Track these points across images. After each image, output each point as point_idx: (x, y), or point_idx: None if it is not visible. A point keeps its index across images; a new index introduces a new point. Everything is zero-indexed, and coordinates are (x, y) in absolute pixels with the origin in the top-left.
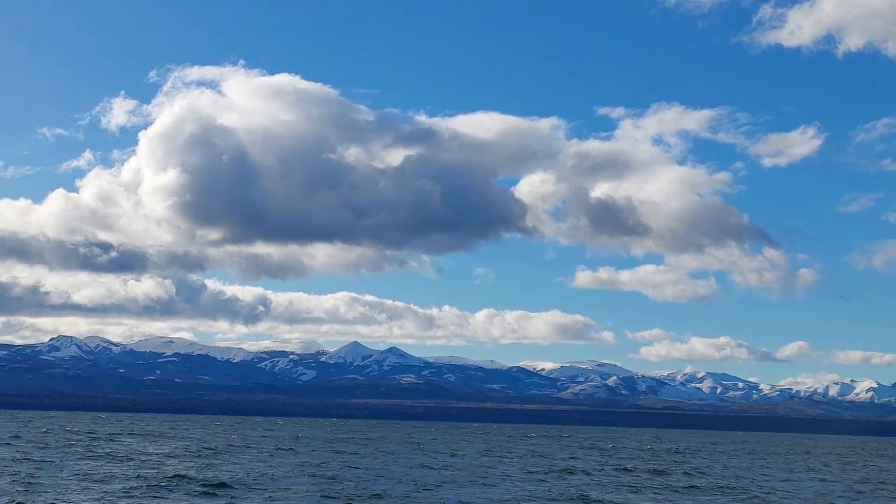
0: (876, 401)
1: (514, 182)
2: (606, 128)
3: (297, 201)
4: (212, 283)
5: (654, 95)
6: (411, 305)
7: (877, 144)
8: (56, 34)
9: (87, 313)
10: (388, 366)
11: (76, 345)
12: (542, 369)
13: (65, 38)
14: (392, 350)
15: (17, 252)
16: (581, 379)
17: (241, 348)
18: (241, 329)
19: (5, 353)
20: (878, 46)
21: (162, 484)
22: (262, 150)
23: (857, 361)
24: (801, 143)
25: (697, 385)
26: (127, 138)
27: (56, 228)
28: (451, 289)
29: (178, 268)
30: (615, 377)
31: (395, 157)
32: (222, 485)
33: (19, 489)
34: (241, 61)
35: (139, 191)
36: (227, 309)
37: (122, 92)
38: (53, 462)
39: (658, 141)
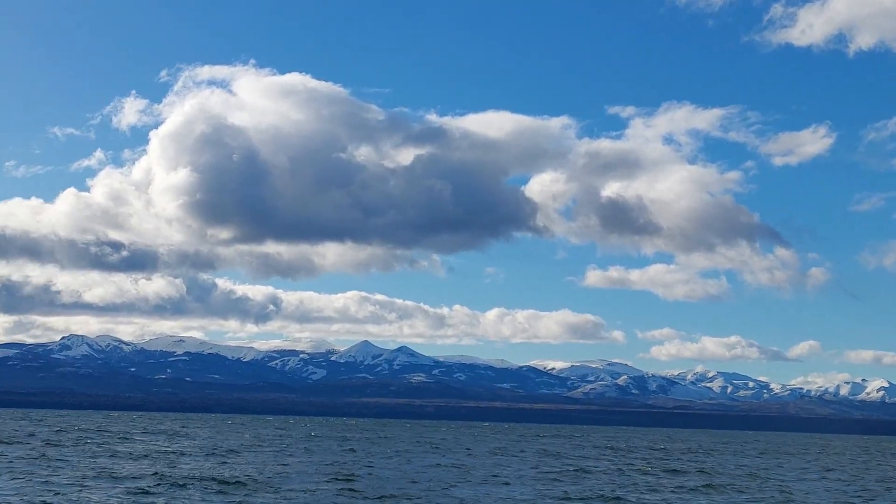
0: (887, 400)
1: (525, 181)
2: (617, 127)
3: (307, 200)
4: (222, 283)
5: (664, 94)
6: (421, 304)
7: (888, 143)
8: (67, 34)
9: (99, 312)
10: (398, 365)
11: (87, 344)
12: (553, 368)
13: (76, 38)
14: (402, 349)
15: (29, 251)
16: (591, 378)
17: (251, 347)
18: (251, 328)
19: (17, 351)
20: (889, 45)
21: (179, 483)
22: (273, 150)
23: (869, 361)
24: (812, 142)
25: (708, 384)
26: (138, 138)
27: (67, 227)
28: (462, 288)
29: (188, 267)
30: (625, 376)
31: (406, 156)
32: (238, 483)
33: (36, 489)
34: (252, 60)
35: (150, 190)
36: (238, 308)
37: (133, 91)
38: (69, 461)
39: (669, 140)
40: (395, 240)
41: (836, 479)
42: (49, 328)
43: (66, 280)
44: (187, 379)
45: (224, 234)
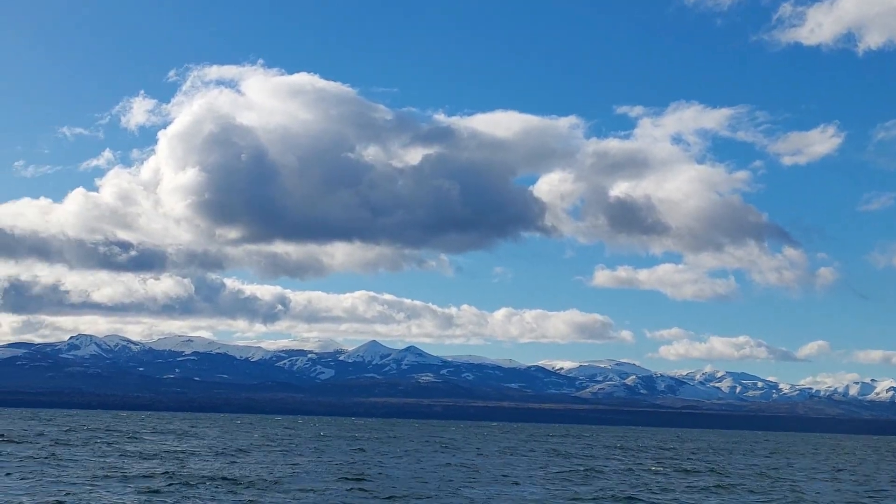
0: None
1: (533, 181)
2: (625, 126)
3: (315, 200)
4: (231, 282)
5: (672, 94)
6: (430, 304)
7: None
8: (75, 35)
9: (107, 312)
10: (406, 365)
11: (96, 343)
12: (561, 368)
13: (84, 38)
14: (410, 349)
15: (38, 251)
16: (600, 378)
17: (259, 347)
18: (259, 328)
19: (25, 351)
20: None
21: (189, 482)
22: (281, 149)
23: (878, 361)
24: (821, 142)
25: (717, 384)
26: (146, 137)
27: (76, 227)
28: (470, 288)
29: (197, 267)
30: (634, 376)
31: (414, 155)
32: (249, 483)
33: (47, 488)
34: (260, 60)
35: (158, 190)
36: (246, 308)
37: (142, 91)
38: (78, 460)
39: (677, 139)
40: (403, 239)
41: (847, 480)
42: (58, 328)
43: (74, 280)
44: (196, 379)
45: (232, 233)
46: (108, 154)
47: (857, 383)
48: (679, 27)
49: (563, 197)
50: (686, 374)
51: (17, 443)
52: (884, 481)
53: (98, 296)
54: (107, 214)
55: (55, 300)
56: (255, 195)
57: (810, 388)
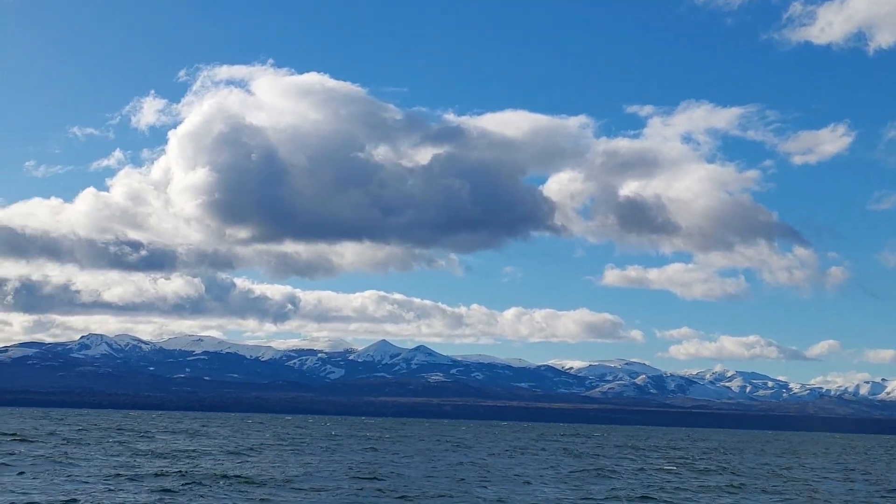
0: None
1: (543, 180)
2: (635, 126)
3: (325, 200)
4: (241, 282)
5: (682, 93)
6: (439, 304)
7: None
8: (86, 34)
9: (118, 312)
10: (416, 364)
11: (106, 343)
12: (571, 368)
13: (95, 38)
14: (420, 348)
15: (49, 250)
16: (609, 378)
17: (269, 346)
18: (269, 327)
19: (36, 351)
20: None
21: (202, 481)
22: (291, 149)
23: (888, 360)
24: (832, 141)
25: (727, 384)
26: (157, 137)
27: (86, 227)
28: (480, 287)
29: (207, 266)
30: (644, 376)
31: (424, 155)
32: (262, 482)
33: (60, 487)
34: (270, 60)
35: (169, 189)
36: (256, 307)
37: (152, 91)
38: (91, 459)
39: (687, 139)
40: (413, 239)
41: (860, 479)
42: (68, 327)
43: (85, 279)
44: (206, 378)
45: (242, 233)
46: (118, 154)
47: (867, 383)
48: (689, 26)
49: (572, 196)
50: (696, 374)
51: (30, 442)
52: None
53: (109, 295)
54: (117, 214)
55: (66, 300)
56: (265, 195)
57: (821, 388)
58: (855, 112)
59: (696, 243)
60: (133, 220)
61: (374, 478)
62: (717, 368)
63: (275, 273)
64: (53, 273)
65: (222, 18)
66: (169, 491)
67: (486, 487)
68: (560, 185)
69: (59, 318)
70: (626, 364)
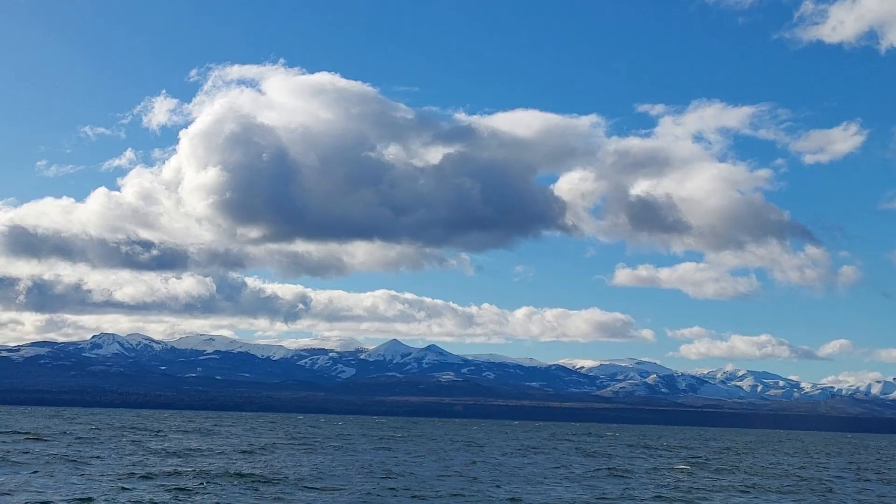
0: None
1: (554, 180)
2: (646, 125)
3: (336, 199)
4: (252, 281)
5: (694, 92)
6: (450, 303)
7: None
8: (97, 34)
9: (129, 311)
10: (427, 363)
11: (118, 342)
12: (582, 367)
13: (106, 38)
14: (431, 348)
15: (60, 250)
16: (621, 377)
17: (280, 346)
18: (281, 327)
19: (48, 350)
20: None
21: (216, 480)
22: (302, 149)
23: None
24: (843, 140)
25: (738, 383)
26: (168, 137)
27: (98, 227)
28: (491, 286)
29: (218, 266)
30: (655, 375)
31: (435, 154)
32: (277, 481)
33: (74, 486)
34: (281, 60)
35: (180, 189)
36: (268, 307)
37: (163, 91)
38: (104, 458)
39: (698, 138)
40: (424, 238)
41: (874, 479)
42: (80, 327)
43: (96, 279)
44: (217, 377)
45: (253, 232)
46: (129, 154)
47: (879, 382)
48: (700, 25)
49: (583, 196)
50: (707, 373)
51: (44, 441)
52: None
53: (120, 295)
54: (129, 214)
55: (78, 299)
56: (276, 194)
57: (832, 387)
58: (866, 111)
59: (707, 243)
60: (144, 220)
61: (388, 477)
62: (729, 368)
63: (286, 272)
64: (65, 272)
65: (233, 18)
66: (183, 490)
67: (499, 487)
68: (571, 184)
69: (70, 318)
70: (637, 363)
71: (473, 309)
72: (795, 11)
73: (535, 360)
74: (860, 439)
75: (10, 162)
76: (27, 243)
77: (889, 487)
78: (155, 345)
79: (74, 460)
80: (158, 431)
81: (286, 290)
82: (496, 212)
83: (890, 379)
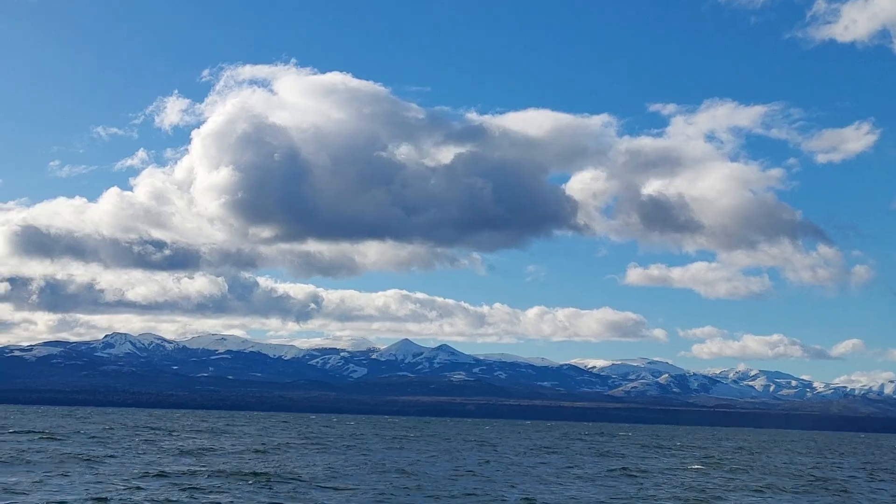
0: None
1: (566, 179)
2: (658, 124)
3: (348, 199)
4: (264, 281)
5: (706, 91)
6: (462, 303)
7: None
8: (109, 35)
9: (141, 311)
10: (438, 363)
11: (130, 342)
12: (593, 367)
13: (118, 39)
14: (443, 347)
15: (73, 250)
16: (632, 377)
17: (292, 345)
18: (292, 326)
19: (61, 350)
20: None
21: (231, 480)
22: (314, 149)
23: None
24: (856, 139)
25: (750, 383)
26: (180, 137)
27: (110, 226)
28: (502, 286)
29: (230, 266)
30: (667, 375)
31: (446, 154)
32: (291, 480)
33: (89, 486)
34: (293, 60)
35: (192, 189)
36: (279, 306)
37: (176, 91)
38: (118, 457)
39: (710, 137)
40: (435, 238)
41: (888, 479)
42: (93, 326)
43: (109, 279)
44: (229, 377)
45: (265, 232)
46: (142, 154)
47: (892, 382)
48: (712, 24)
49: (595, 195)
50: (719, 373)
51: (58, 440)
52: None
53: (132, 294)
54: (141, 214)
55: (90, 299)
56: (288, 194)
57: (845, 387)
58: (879, 110)
59: (719, 242)
60: (157, 220)
61: (403, 476)
62: (741, 367)
63: (298, 272)
64: (78, 272)
65: (245, 18)
66: (197, 489)
67: (513, 487)
68: (583, 183)
69: (83, 317)
70: (649, 363)
71: (485, 308)
72: (808, 10)
73: (547, 359)
74: (873, 439)
75: (23, 162)
76: (40, 243)
77: None
78: (167, 344)
79: (88, 459)
80: (171, 431)
81: (298, 290)
82: (508, 211)
83: None
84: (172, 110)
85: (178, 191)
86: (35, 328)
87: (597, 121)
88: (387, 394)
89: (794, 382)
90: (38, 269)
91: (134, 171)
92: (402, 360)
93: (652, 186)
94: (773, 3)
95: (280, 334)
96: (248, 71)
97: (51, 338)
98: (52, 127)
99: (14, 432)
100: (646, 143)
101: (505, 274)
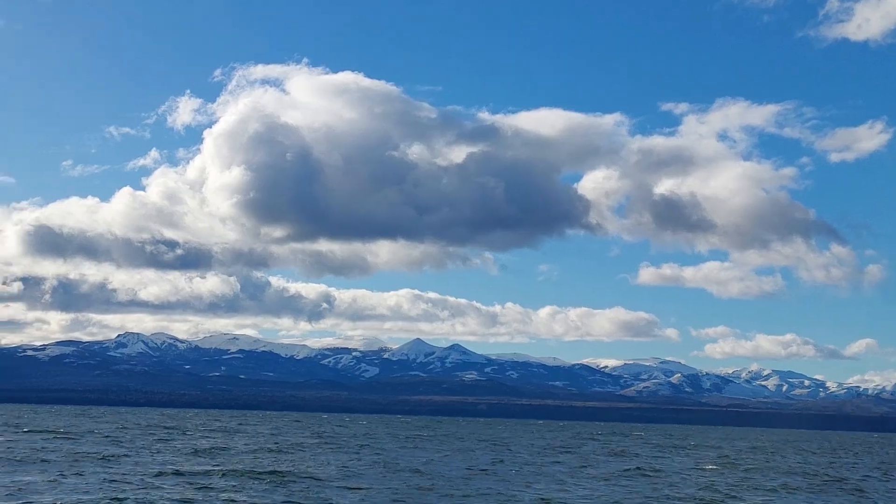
0: None
1: (578, 178)
2: (670, 123)
3: (360, 199)
4: (276, 281)
5: (718, 90)
6: (474, 302)
7: None
8: (122, 35)
9: (154, 310)
10: (450, 363)
11: (143, 341)
12: (606, 367)
13: (130, 38)
14: (454, 347)
15: (85, 250)
16: (645, 376)
17: (304, 345)
18: (304, 326)
19: (74, 349)
20: None
21: (246, 480)
22: (326, 148)
23: None
24: (869, 138)
25: (763, 383)
26: (192, 137)
27: (123, 226)
28: (514, 286)
29: (242, 265)
30: (679, 374)
31: (458, 154)
32: (306, 479)
33: (104, 485)
34: (305, 59)
35: (204, 189)
36: (291, 306)
37: (188, 91)
38: (132, 457)
39: (723, 136)
40: (447, 238)
41: None
42: (105, 326)
43: (121, 278)
44: (241, 376)
45: (277, 232)
46: (154, 153)
47: None
48: (724, 23)
49: (607, 194)
50: (732, 373)
51: (72, 439)
52: None
53: (145, 294)
54: (153, 213)
55: (103, 298)
56: (300, 194)
57: (858, 387)
58: (893, 108)
59: (732, 241)
60: (169, 220)
61: (417, 476)
62: (754, 367)
63: (309, 272)
64: (90, 272)
65: (257, 18)
66: (212, 488)
67: (528, 486)
68: (595, 183)
69: (95, 317)
70: (662, 363)
71: (497, 308)
72: (821, 9)
73: (559, 359)
74: (887, 439)
75: (35, 162)
76: (53, 243)
77: None
78: (179, 344)
79: (103, 459)
80: (185, 430)
81: (310, 290)
82: (520, 211)
83: None
84: (185, 110)
85: (190, 190)
86: (48, 328)
87: (609, 120)
88: (399, 393)
89: (807, 382)
90: (50, 268)
91: (146, 171)
92: (414, 359)
93: (664, 186)
94: (785, 1)
95: (292, 334)
96: (260, 70)
97: (63, 337)
98: (65, 127)
99: (28, 431)
100: (658, 142)
101: (517, 273)
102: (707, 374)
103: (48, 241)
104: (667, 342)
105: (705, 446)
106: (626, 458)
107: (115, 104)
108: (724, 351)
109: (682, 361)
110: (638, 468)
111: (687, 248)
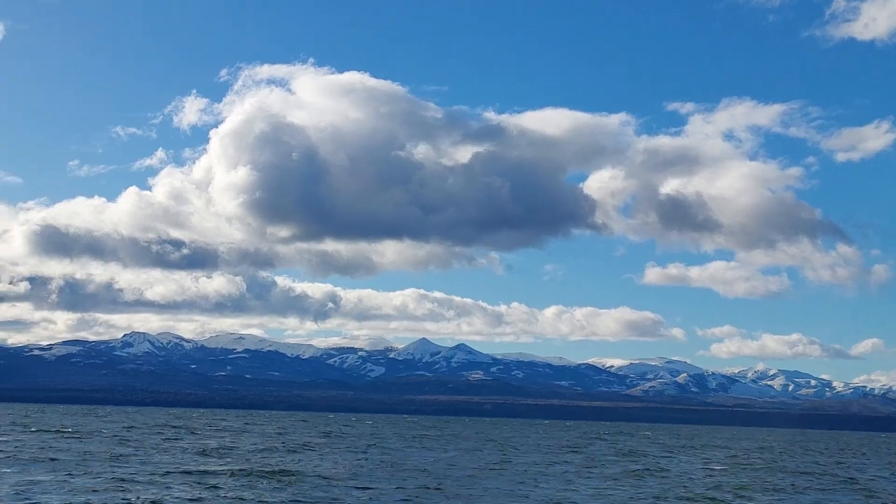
0: None
1: (584, 178)
2: (676, 123)
3: (366, 198)
4: (282, 280)
5: (724, 90)
6: (480, 302)
7: None
8: (128, 35)
9: (160, 310)
10: (456, 362)
11: (149, 341)
12: (611, 366)
13: (137, 38)
14: (460, 347)
15: (92, 249)
16: (650, 376)
17: (310, 345)
18: (310, 326)
19: (80, 349)
20: None
21: (254, 479)
22: (332, 148)
23: None
24: (875, 138)
25: (769, 382)
26: (198, 137)
27: (129, 226)
28: (520, 285)
29: (248, 265)
30: (685, 374)
31: (464, 153)
32: (314, 478)
33: (113, 484)
34: (311, 59)
35: (210, 189)
36: (297, 306)
37: (194, 91)
38: (140, 456)
39: (729, 136)
40: (453, 237)
41: None
42: (111, 326)
43: (128, 278)
44: (247, 376)
45: (283, 232)
46: (160, 153)
47: None
48: (730, 23)
49: (613, 194)
50: (738, 372)
51: (80, 439)
52: None
53: (151, 294)
54: (159, 213)
55: (109, 298)
56: (306, 194)
57: (864, 387)
58: None
59: (738, 241)
60: (175, 219)
61: (424, 476)
62: (760, 367)
63: (315, 271)
64: (97, 272)
65: (263, 18)
66: (220, 487)
67: (537, 486)
68: (601, 182)
69: (102, 317)
70: (668, 362)
71: (503, 308)
72: (827, 8)
73: (565, 359)
74: (894, 439)
75: (42, 162)
76: (59, 243)
77: None
78: (185, 344)
79: (110, 458)
80: (192, 430)
81: (316, 290)
82: (525, 211)
83: None
84: (191, 110)
85: (196, 190)
86: (54, 327)
87: (615, 120)
88: (404, 393)
89: (813, 382)
90: (57, 268)
91: (152, 171)
92: (420, 359)
93: (670, 185)
94: (791, 1)
95: (298, 333)
96: (265, 70)
97: (70, 337)
98: (71, 127)
99: (36, 431)
100: (664, 141)
101: (523, 273)
102: (713, 373)
103: (55, 241)
104: (673, 342)
105: (713, 446)
106: (635, 457)
107: (121, 104)
108: (729, 351)
109: (688, 361)
110: (647, 468)
111: (693, 248)
